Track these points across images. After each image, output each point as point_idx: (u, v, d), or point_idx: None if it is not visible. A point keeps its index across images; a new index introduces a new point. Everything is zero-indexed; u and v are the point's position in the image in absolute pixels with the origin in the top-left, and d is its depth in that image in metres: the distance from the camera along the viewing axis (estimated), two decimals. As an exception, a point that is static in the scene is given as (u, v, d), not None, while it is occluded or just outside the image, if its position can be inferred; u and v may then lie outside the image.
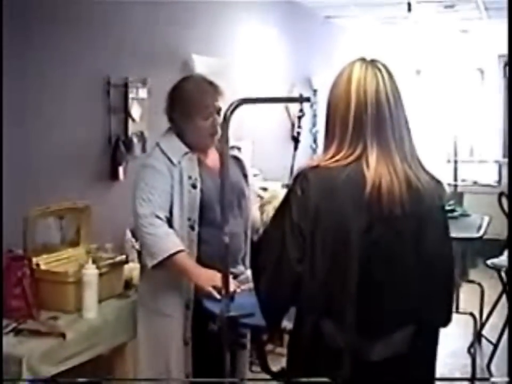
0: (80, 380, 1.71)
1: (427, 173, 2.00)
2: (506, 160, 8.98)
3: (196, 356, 2.96)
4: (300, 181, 1.92)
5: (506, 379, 3.49)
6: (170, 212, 2.88)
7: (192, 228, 2.89)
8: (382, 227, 1.89)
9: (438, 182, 2.03)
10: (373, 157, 1.90)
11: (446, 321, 2.07)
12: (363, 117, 1.91)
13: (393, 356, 1.93)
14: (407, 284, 1.94)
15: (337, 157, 1.91)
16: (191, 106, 2.91)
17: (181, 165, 2.90)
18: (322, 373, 1.91)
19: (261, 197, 4.37)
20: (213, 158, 3.03)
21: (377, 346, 1.92)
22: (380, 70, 1.98)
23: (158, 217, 2.84)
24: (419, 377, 2.02)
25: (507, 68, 9.54)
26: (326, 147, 1.97)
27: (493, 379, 4.31)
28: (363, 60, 2.01)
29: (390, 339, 1.93)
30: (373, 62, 2.01)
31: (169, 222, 2.88)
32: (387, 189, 1.88)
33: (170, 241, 2.83)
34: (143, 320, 3.05)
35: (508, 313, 4.61)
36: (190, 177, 2.89)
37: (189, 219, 2.88)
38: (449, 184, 8.18)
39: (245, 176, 3.06)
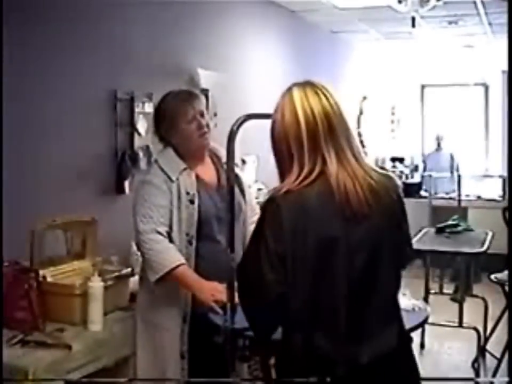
0: (86, 380, 1.73)
1: (376, 171, 2.06)
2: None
3: (195, 369, 2.97)
4: (271, 207, 1.96)
5: (506, 379, 3.49)
6: (170, 227, 2.92)
7: (190, 242, 2.93)
8: (359, 231, 1.94)
9: (389, 177, 2.09)
10: (333, 165, 1.96)
11: None
12: (315, 129, 1.97)
13: (382, 354, 1.97)
14: (387, 282, 2.01)
15: (301, 177, 1.96)
16: (173, 115, 2.97)
17: (179, 181, 2.94)
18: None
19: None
20: (210, 174, 3.07)
21: (366, 348, 1.95)
22: (317, 87, 2.05)
23: (158, 232, 2.88)
24: (407, 373, 2.07)
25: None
26: (286, 171, 2.01)
27: (493, 379, 4.33)
28: (298, 83, 2.08)
29: (379, 339, 1.97)
30: (308, 82, 2.08)
31: (170, 237, 2.91)
32: (352, 191, 1.93)
33: (171, 255, 2.86)
34: (140, 332, 3.07)
35: (508, 316, 4.61)
36: (188, 193, 2.93)
37: (187, 234, 2.92)
38: (453, 199, 8.22)
39: (242, 191, 3.09)
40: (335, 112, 2.01)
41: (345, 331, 1.93)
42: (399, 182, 2.13)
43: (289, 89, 2.06)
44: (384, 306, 2.01)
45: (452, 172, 9.52)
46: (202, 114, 2.99)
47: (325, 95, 2.02)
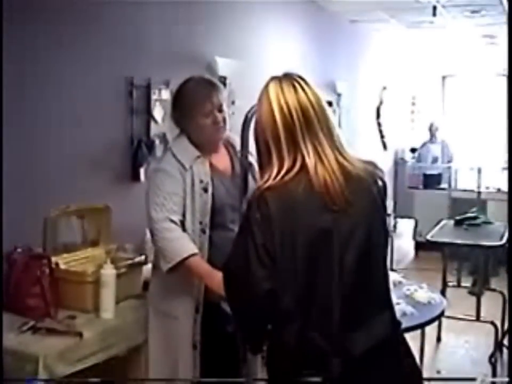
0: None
1: (360, 160, 2.04)
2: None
3: (206, 359, 2.95)
4: (257, 203, 1.93)
5: (506, 379, 3.44)
6: (184, 215, 2.88)
7: (203, 231, 2.90)
8: (348, 221, 1.92)
9: (374, 164, 2.07)
10: (311, 160, 1.94)
11: None
12: (291, 125, 1.95)
13: (377, 343, 1.95)
14: (379, 270, 2.01)
15: (282, 171, 1.94)
16: (190, 105, 2.92)
17: (193, 169, 2.90)
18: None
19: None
20: (224, 162, 3.03)
21: (360, 338, 1.92)
22: (294, 79, 2.03)
23: (171, 221, 2.85)
24: (402, 360, 2.04)
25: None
26: (267, 166, 1.99)
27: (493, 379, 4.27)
28: (275, 77, 2.06)
29: (372, 328, 1.95)
30: (286, 75, 2.05)
31: (183, 225, 2.88)
32: (331, 186, 1.91)
33: (184, 245, 2.83)
34: (153, 321, 3.04)
35: (509, 315, 4.56)
36: (201, 181, 2.90)
37: (201, 223, 2.89)
38: (472, 191, 8.15)
39: (256, 180, 3.04)
40: (312, 104, 1.98)
41: (339, 322, 1.91)
42: (382, 169, 2.09)
43: (266, 85, 2.04)
44: (377, 295, 2.00)
45: (449, 162, 9.41)
46: (220, 109, 2.92)
47: (302, 87, 2.00)
